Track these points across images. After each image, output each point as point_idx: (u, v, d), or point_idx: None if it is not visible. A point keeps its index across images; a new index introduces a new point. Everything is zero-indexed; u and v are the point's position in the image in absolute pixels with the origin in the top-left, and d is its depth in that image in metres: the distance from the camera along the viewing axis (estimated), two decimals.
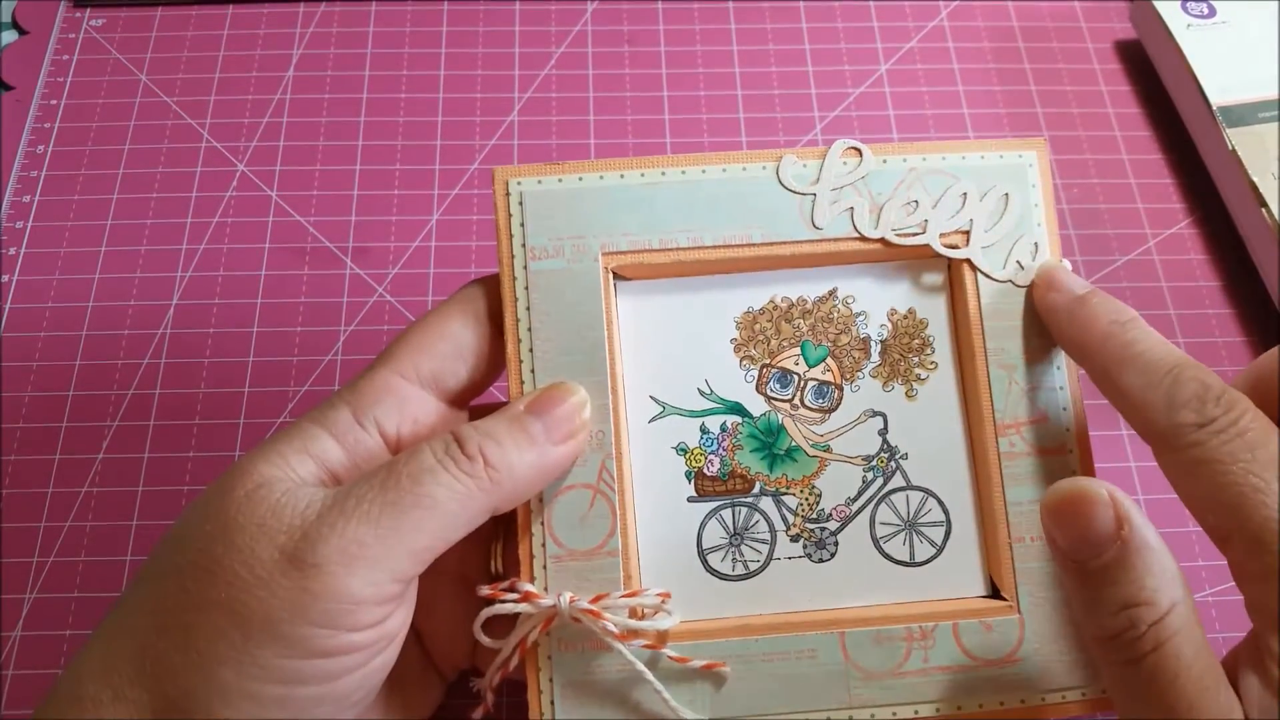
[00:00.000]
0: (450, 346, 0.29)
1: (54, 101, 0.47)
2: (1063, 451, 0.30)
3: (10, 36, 0.49)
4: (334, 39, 0.49)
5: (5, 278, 0.43)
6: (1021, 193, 0.31)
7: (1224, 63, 0.45)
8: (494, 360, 0.30)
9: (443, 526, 0.26)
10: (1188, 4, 0.47)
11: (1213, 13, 0.47)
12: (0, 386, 0.40)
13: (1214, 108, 0.44)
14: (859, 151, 0.31)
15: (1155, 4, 0.47)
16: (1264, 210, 0.42)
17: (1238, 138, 0.43)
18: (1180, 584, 0.25)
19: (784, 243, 0.30)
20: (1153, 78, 0.48)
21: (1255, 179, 0.42)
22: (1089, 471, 0.30)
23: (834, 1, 0.51)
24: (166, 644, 0.25)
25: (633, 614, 0.29)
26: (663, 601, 0.29)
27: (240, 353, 0.41)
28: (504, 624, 0.29)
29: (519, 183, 0.30)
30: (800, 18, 0.50)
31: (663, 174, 0.30)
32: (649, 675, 0.28)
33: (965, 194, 0.31)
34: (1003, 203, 0.31)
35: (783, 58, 0.49)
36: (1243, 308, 0.43)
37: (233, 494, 0.26)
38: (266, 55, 0.48)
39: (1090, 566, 0.25)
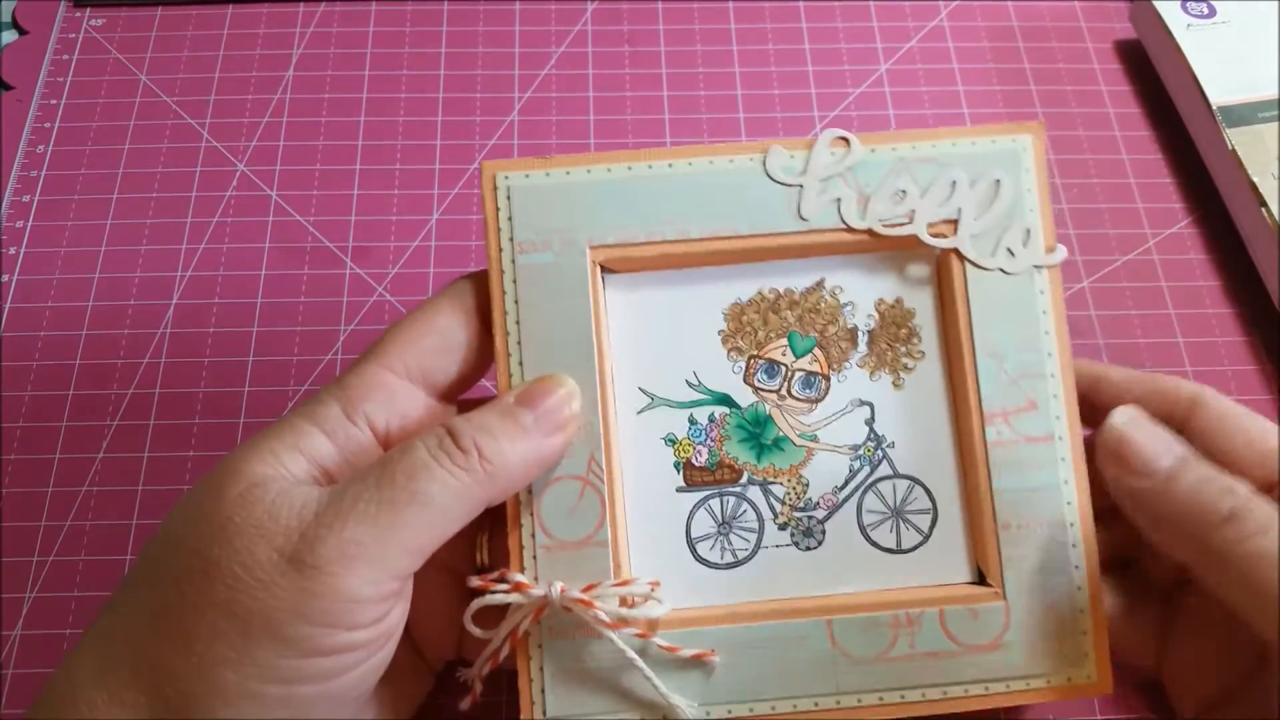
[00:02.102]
0: (439, 341, 0.29)
1: (54, 101, 0.47)
2: (1050, 439, 0.30)
3: (10, 36, 0.49)
4: (334, 39, 0.49)
5: (5, 278, 0.43)
6: (1014, 178, 0.31)
7: (1224, 63, 0.45)
8: (483, 355, 0.30)
9: (439, 522, 0.26)
10: (1188, 4, 0.47)
11: (1213, 13, 0.47)
12: (0, 386, 0.40)
13: (1214, 108, 0.44)
14: (847, 142, 0.31)
15: (1155, 4, 0.47)
16: (1264, 210, 0.42)
17: (1238, 138, 0.43)
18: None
19: (771, 234, 0.30)
20: (1153, 78, 0.48)
21: (1255, 179, 0.42)
22: (1079, 460, 0.30)
23: (834, 1, 0.51)
24: (165, 646, 0.25)
25: (623, 603, 0.29)
26: (653, 590, 0.29)
27: (240, 352, 0.41)
28: (493, 615, 0.29)
29: (506, 177, 0.30)
30: (800, 18, 0.50)
31: (649, 167, 0.31)
32: (640, 663, 0.28)
33: (955, 182, 0.30)
34: (994, 189, 0.30)
35: (783, 58, 0.49)
36: (1243, 308, 0.43)
37: (225, 494, 0.26)
38: (266, 55, 0.48)
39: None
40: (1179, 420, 0.30)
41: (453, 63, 0.49)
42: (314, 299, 0.43)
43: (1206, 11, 0.47)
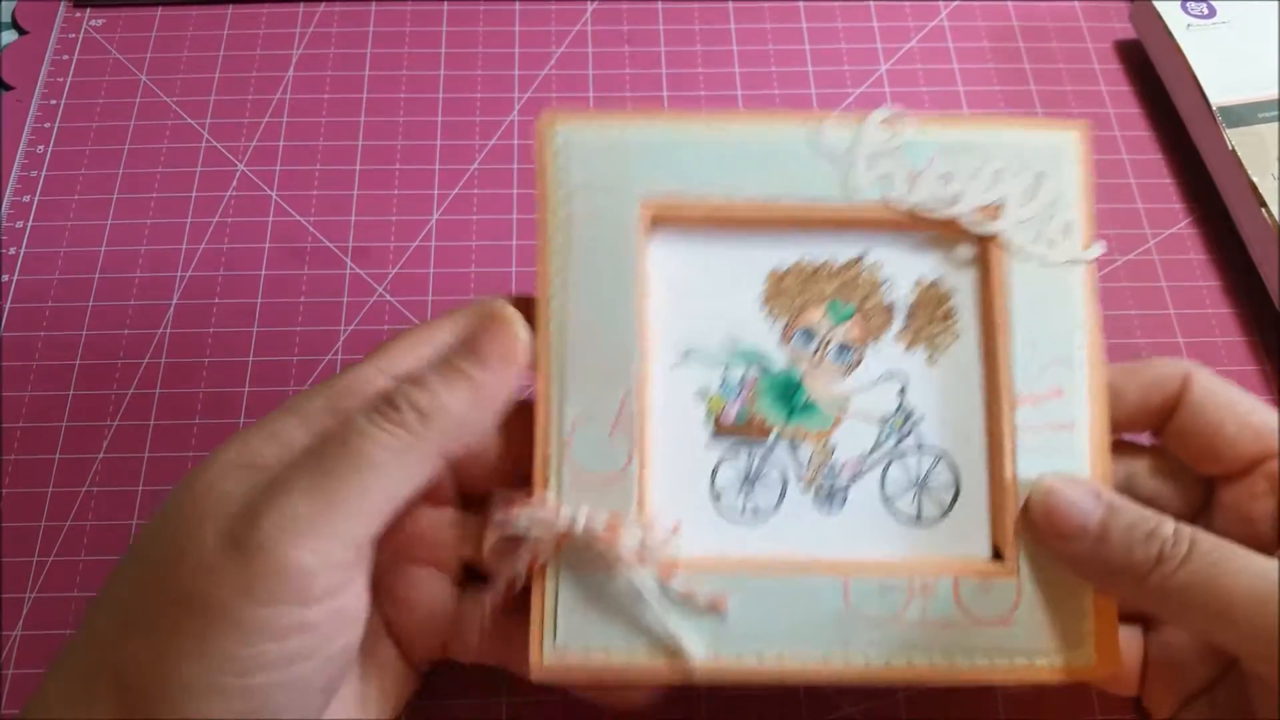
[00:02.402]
0: (434, 353, 0.29)
1: (54, 101, 0.47)
2: (1071, 427, 0.30)
3: (10, 36, 0.49)
4: (334, 39, 0.49)
5: (5, 278, 0.43)
6: (1056, 173, 0.31)
7: (1224, 63, 0.45)
8: None
9: (383, 481, 0.26)
10: (1188, 4, 0.47)
11: (1213, 13, 0.47)
12: (0, 386, 0.40)
13: (1214, 108, 0.44)
14: (898, 121, 0.31)
15: (1155, 4, 0.47)
16: (1264, 210, 0.42)
17: (1238, 138, 0.43)
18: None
19: (816, 204, 0.31)
20: (1153, 78, 0.48)
21: (1255, 179, 0.42)
22: (1097, 450, 0.30)
23: (834, 1, 0.51)
24: (132, 644, 0.25)
25: (643, 541, 0.29)
26: (675, 530, 0.29)
27: (240, 353, 0.41)
28: (503, 550, 0.29)
29: (562, 126, 0.31)
30: (800, 18, 0.50)
31: (703, 128, 0.31)
32: (654, 602, 0.29)
33: (1000, 170, 0.31)
34: (1037, 181, 0.31)
35: (783, 58, 0.49)
36: (1243, 308, 0.43)
37: (191, 488, 0.26)
38: (266, 55, 0.48)
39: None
40: (1173, 399, 0.31)
41: (453, 63, 0.49)
42: (314, 299, 0.43)
43: (1206, 11, 0.47)
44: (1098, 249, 0.31)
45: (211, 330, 0.42)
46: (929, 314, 0.32)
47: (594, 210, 0.31)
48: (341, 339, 0.42)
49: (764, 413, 0.31)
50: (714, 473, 0.31)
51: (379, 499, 0.26)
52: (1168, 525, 0.28)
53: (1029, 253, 0.31)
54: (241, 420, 0.40)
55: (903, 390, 0.32)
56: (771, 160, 0.31)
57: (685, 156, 0.31)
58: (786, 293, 0.32)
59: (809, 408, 0.32)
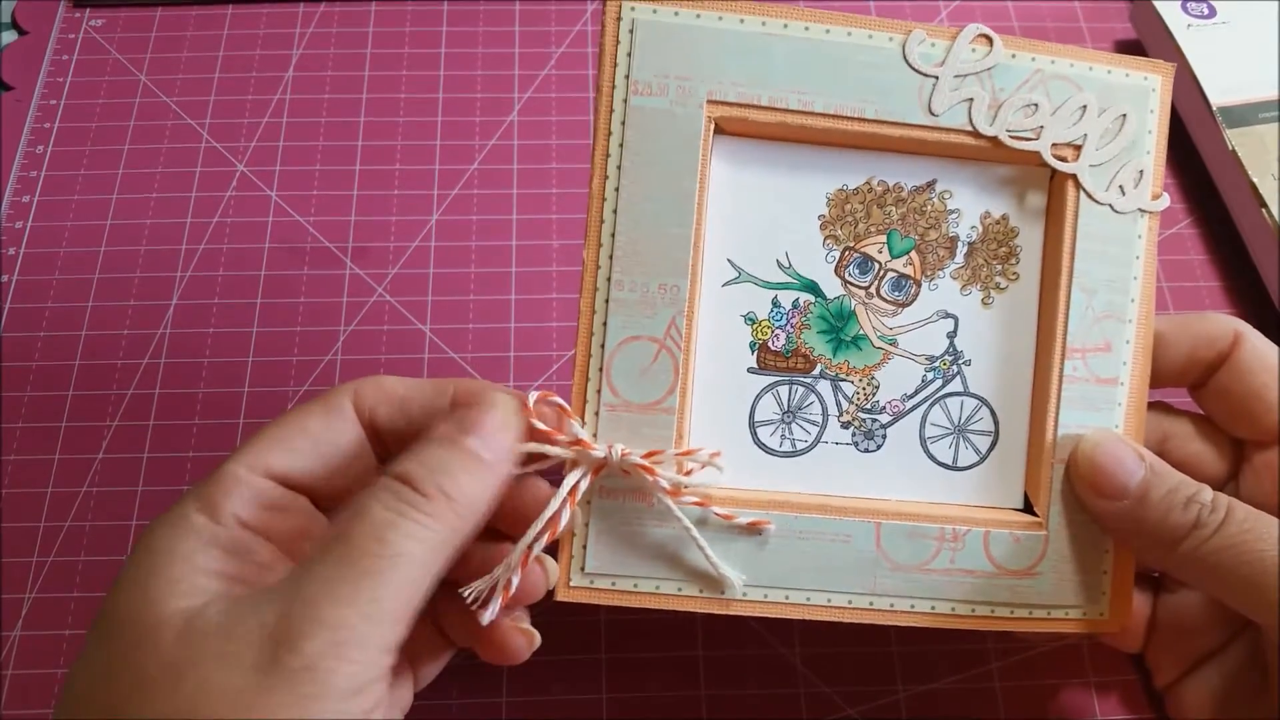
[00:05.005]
0: (307, 443, 0.28)
1: (54, 101, 0.47)
2: (1115, 383, 0.30)
3: (10, 36, 0.49)
4: (334, 39, 0.49)
5: (5, 278, 0.43)
6: (1139, 115, 0.30)
7: (1224, 63, 0.45)
8: (357, 459, 0.29)
9: (420, 578, 0.25)
10: (1188, 4, 0.47)
11: (1213, 13, 0.47)
12: (0, 386, 0.40)
13: (1214, 108, 0.44)
14: (989, 40, 0.30)
15: (1155, 4, 0.47)
16: (1264, 210, 0.42)
17: (1238, 138, 0.43)
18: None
19: (896, 123, 0.30)
20: None
21: (1255, 179, 0.42)
22: (1135, 408, 0.30)
23: (834, 1, 0.51)
24: None
25: (679, 470, 0.29)
26: (713, 459, 0.29)
27: (240, 353, 0.41)
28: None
29: (633, 9, 0.29)
30: None
31: (785, 25, 0.29)
32: (695, 532, 0.28)
33: (1085, 106, 0.30)
34: (1119, 123, 0.30)
35: None
36: (1243, 308, 0.43)
37: (155, 642, 0.23)
38: (266, 55, 0.48)
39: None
40: (1222, 357, 0.31)
41: (453, 63, 0.48)
42: (314, 299, 0.43)
43: (1206, 11, 0.47)
44: (1165, 201, 0.30)
45: (211, 330, 0.42)
46: (990, 252, 0.31)
47: (657, 108, 0.29)
48: (341, 339, 0.42)
49: (811, 344, 0.31)
50: (754, 405, 0.31)
51: (415, 596, 0.25)
52: (1206, 493, 0.28)
53: (1100, 198, 0.30)
54: (241, 420, 0.40)
55: (953, 331, 0.31)
56: (853, 70, 0.29)
57: (761, 56, 0.29)
58: (849, 216, 0.31)
59: (857, 342, 0.31)
